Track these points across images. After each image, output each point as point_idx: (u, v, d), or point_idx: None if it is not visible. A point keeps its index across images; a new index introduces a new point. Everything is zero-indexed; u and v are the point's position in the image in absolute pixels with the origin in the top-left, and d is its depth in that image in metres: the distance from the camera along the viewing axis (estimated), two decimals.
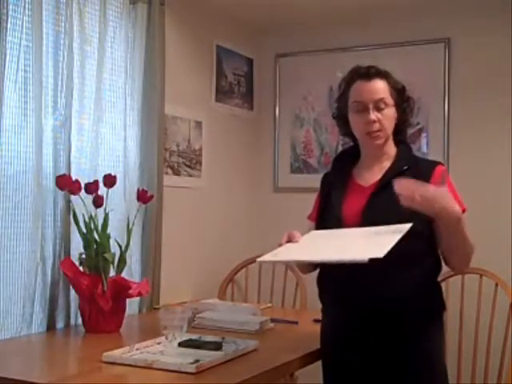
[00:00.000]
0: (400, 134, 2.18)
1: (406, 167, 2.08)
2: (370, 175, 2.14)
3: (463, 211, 2.01)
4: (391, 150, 2.16)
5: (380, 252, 1.72)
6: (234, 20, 3.81)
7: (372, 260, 1.70)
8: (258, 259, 1.99)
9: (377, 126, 2.08)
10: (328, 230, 2.09)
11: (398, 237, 1.82)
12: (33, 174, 2.48)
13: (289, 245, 2.03)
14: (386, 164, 2.13)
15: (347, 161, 2.23)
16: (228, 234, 3.76)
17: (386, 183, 2.06)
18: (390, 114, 2.10)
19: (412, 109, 2.19)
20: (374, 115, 2.06)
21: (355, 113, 2.11)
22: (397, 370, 2.02)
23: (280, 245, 2.04)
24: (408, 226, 1.88)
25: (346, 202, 2.12)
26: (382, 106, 2.07)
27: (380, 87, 2.09)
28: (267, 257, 1.97)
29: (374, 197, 2.06)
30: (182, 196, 3.40)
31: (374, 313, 2.03)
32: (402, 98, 2.14)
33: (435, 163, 2.13)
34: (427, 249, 2.02)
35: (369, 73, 2.10)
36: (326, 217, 2.18)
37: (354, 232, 1.99)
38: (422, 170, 2.07)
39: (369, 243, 1.87)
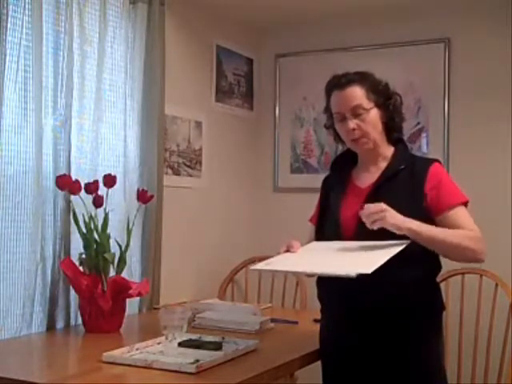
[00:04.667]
0: (394, 131, 2.15)
1: (402, 167, 2.08)
2: (368, 176, 2.14)
3: (465, 203, 2.04)
4: (386, 150, 2.15)
5: (369, 268, 1.75)
6: (234, 20, 3.81)
7: (361, 275, 1.73)
8: (251, 267, 2.01)
9: (357, 133, 2.07)
10: (329, 241, 2.10)
11: (391, 254, 1.84)
12: (33, 174, 2.48)
13: (287, 254, 2.04)
14: (383, 165, 2.13)
15: (346, 163, 2.23)
16: (228, 234, 3.76)
17: (382, 184, 2.07)
18: (370, 118, 2.08)
19: (399, 104, 2.15)
20: (352, 123, 2.06)
21: (337, 123, 2.13)
22: (395, 369, 2.02)
23: (278, 254, 2.05)
24: (406, 242, 1.90)
25: (344, 204, 2.12)
26: (360, 111, 2.06)
27: (354, 94, 2.07)
28: (260, 265, 1.98)
29: (371, 198, 2.05)
30: (181, 196, 3.40)
31: (372, 312, 2.03)
32: (384, 96, 2.11)
33: (430, 161, 2.11)
34: (426, 249, 2.00)
35: (340, 82, 2.10)
36: (325, 219, 2.19)
37: (352, 245, 2.00)
38: (418, 169, 2.07)
39: (361, 258, 1.89)
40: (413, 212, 1.99)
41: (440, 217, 2.02)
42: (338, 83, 2.10)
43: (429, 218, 2.01)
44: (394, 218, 1.90)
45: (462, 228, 1.99)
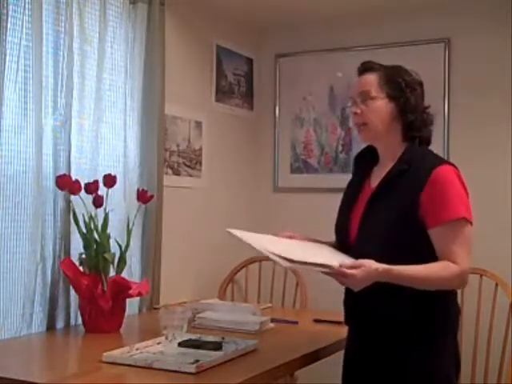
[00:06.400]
0: (411, 130, 2.04)
1: (405, 168, 1.96)
2: (379, 175, 2.05)
3: (460, 219, 1.89)
4: (396, 148, 2.03)
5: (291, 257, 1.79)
6: (234, 20, 3.81)
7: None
8: (228, 229, 2.03)
9: (358, 118, 2.03)
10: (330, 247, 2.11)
11: (317, 260, 1.84)
12: (33, 174, 2.48)
13: (270, 236, 2.07)
14: (391, 164, 2.02)
15: (369, 158, 2.15)
16: (228, 234, 3.75)
17: (380, 191, 1.99)
18: (375, 107, 2.00)
19: (417, 102, 2.04)
20: (356, 108, 2.03)
21: (349, 107, 2.09)
22: (392, 378, 1.97)
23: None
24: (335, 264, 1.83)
25: (355, 207, 2.07)
26: (367, 98, 2.01)
27: (366, 81, 2.04)
28: (237, 232, 2.04)
29: (373, 199, 2.00)
30: (181, 196, 3.40)
31: (369, 316, 2.00)
32: (399, 89, 2.02)
33: (437, 163, 1.96)
34: (417, 262, 1.87)
35: (359, 69, 2.09)
36: (337, 219, 2.16)
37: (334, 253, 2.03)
38: (421, 171, 1.93)
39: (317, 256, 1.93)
40: (406, 227, 1.90)
41: (429, 231, 1.90)
42: (359, 69, 2.09)
43: (424, 230, 1.90)
44: (363, 283, 1.82)
45: (446, 253, 1.88)
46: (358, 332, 2.09)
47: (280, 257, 1.79)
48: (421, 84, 2.09)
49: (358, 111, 2.03)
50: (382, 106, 2.01)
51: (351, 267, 1.79)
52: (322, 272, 1.83)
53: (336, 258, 1.90)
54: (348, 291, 2.06)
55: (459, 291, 3.03)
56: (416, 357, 1.93)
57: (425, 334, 1.94)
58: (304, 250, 2.04)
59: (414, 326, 1.94)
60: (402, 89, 2.03)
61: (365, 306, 1.99)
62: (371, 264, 1.81)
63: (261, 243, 1.91)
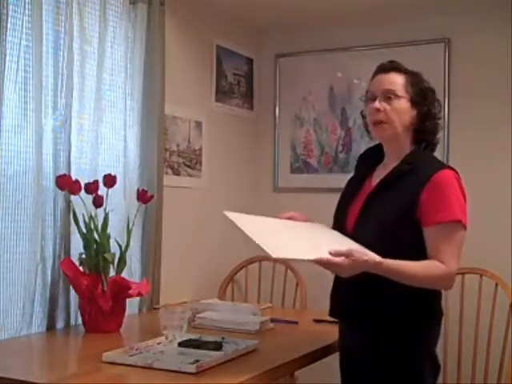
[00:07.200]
0: (422, 134, 2.06)
1: (406, 170, 1.98)
2: (381, 174, 2.06)
3: (454, 221, 1.91)
4: (403, 149, 2.05)
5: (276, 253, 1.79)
6: (234, 20, 3.81)
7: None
8: (225, 212, 2.04)
9: (381, 115, 2.01)
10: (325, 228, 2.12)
11: (302, 257, 1.84)
12: (33, 174, 2.48)
13: (266, 219, 2.08)
14: (395, 164, 2.04)
15: (373, 158, 2.16)
16: (228, 234, 3.74)
17: (383, 185, 2.01)
18: (399, 107, 2.01)
19: (436, 110, 2.07)
20: (379, 104, 2.01)
21: (368, 103, 2.08)
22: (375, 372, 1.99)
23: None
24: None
25: (354, 201, 2.08)
26: (391, 96, 2.01)
27: (393, 79, 2.03)
28: (233, 216, 2.04)
29: (371, 198, 2.02)
30: (181, 196, 3.40)
31: (352, 318, 2.03)
32: (423, 97, 2.04)
33: (438, 168, 1.98)
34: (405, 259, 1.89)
35: (386, 67, 2.07)
36: (335, 214, 2.17)
37: (338, 237, 2.02)
38: (422, 174, 1.95)
39: (308, 246, 1.93)
40: (404, 227, 1.92)
41: (423, 229, 1.93)
42: (384, 67, 2.07)
43: (421, 230, 1.93)
44: (351, 272, 1.84)
45: (436, 252, 1.90)
46: (342, 327, 2.12)
47: (269, 248, 1.79)
48: (434, 91, 2.11)
49: (381, 108, 2.02)
50: (404, 107, 2.03)
51: (340, 255, 1.80)
52: (310, 260, 1.84)
53: (333, 242, 1.92)
54: (335, 286, 2.09)
55: (459, 292, 3.06)
56: (389, 351, 1.95)
57: (401, 329, 1.95)
58: (299, 235, 2.05)
59: (390, 322, 1.95)
60: (424, 96, 2.05)
61: (347, 301, 2.02)
62: (362, 255, 1.82)
63: (254, 230, 1.92)
